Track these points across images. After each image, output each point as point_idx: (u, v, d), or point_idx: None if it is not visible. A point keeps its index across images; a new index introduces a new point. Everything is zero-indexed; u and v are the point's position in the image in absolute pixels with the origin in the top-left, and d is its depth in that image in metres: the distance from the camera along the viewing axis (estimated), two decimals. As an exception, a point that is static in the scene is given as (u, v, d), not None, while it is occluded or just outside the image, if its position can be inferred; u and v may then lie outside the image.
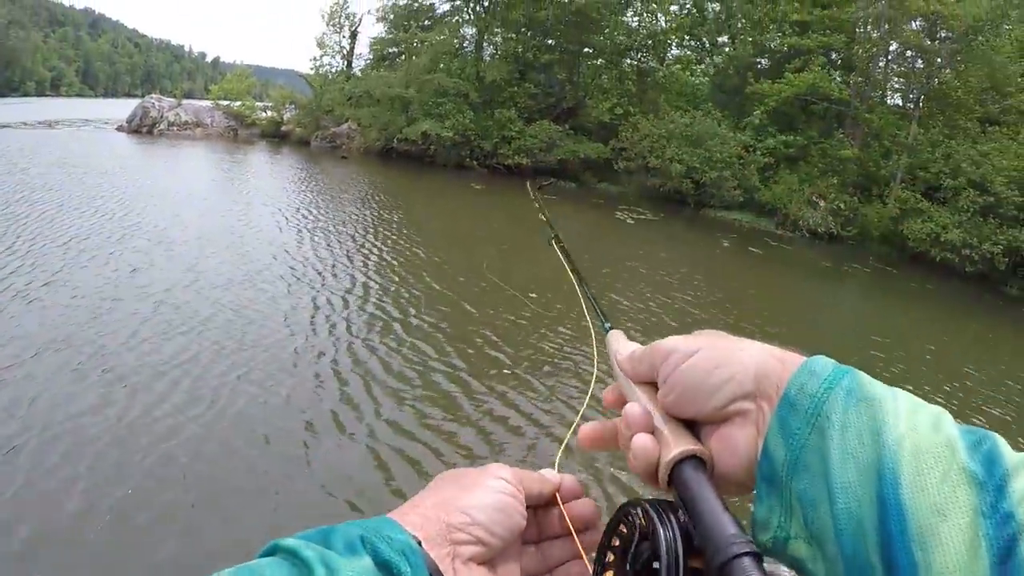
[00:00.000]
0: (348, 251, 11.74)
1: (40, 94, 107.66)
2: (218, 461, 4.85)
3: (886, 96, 26.78)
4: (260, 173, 21.92)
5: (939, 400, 7.84)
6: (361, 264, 10.94)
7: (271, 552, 0.47)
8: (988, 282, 18.10)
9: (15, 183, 14.70)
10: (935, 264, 18.84)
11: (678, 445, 0.56)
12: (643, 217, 20.99)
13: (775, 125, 24.32)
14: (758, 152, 23.57)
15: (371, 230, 13.72)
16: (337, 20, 34.90)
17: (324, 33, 35.43)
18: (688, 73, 31.34)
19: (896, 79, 26.14)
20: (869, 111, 24.16)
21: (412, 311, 8.68)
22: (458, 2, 31.66)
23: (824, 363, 0.53)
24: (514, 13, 29.37)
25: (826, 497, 0.47)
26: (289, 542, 0.47)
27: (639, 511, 0.54)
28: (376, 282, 9.90)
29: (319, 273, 10.01)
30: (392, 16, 32.58)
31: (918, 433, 0.45)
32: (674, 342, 0.62)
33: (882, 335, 11.39)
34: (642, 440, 0.58)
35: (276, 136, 33.72)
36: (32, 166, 17.86)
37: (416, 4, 32.01)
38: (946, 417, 0.47)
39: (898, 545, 0.42)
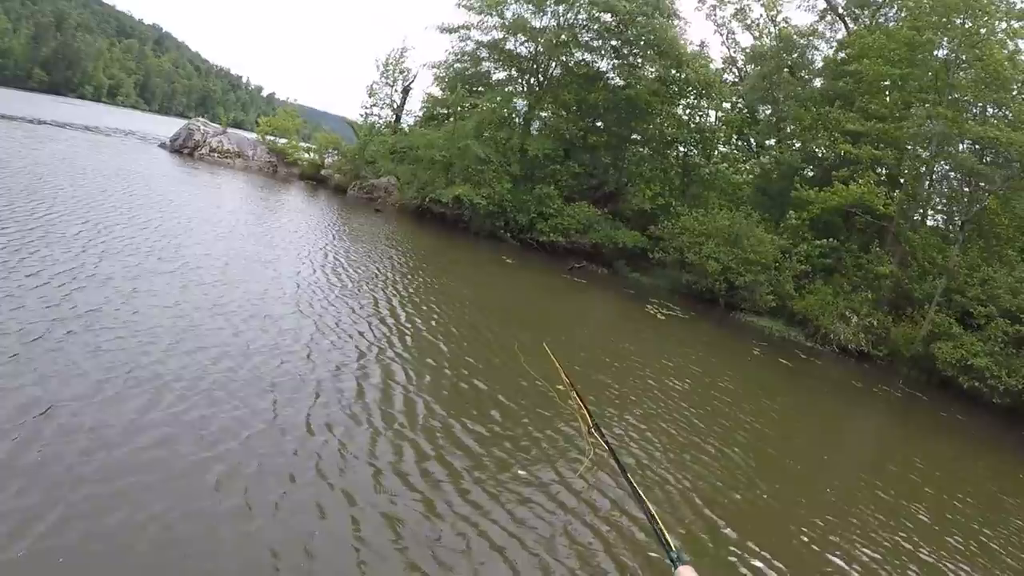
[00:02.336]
0: (394, 314, 11.59)
1: (97, 99, 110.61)
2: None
3: (927, 216, 26.58)
4: (301, 218, 21.78)
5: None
6: (418, 331, 10.91)
7: None
8: (1017, 415, 17.45)
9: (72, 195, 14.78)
10: (964, 392, 18.36)
11: None
12: (673, 314, 20.65)
13: (814, 233, 24.03)
14: (794, 258, 23.27)
15: (415, 295, 13.65)
16: (391, 73, 35.33)
17: (375, 83, 35.95)
18: (733, 172, 31.23)
19: (940, 200, 25.95)
20: (912, 230, 23.87)
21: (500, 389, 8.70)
22: (513, 72, 32.05)
23: None
24: (565, 93, 29.58)
25: None
26: None
27: None
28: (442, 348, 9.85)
29: (376, 334, 10.01)
30: (447, 77, 32.98)
31: None
32: None
33: (904, 469, 10.99)
34: None
35: (314, 179, 34.03)
36: (91, 174, 18.67)
37: (472, 70, 32.40)
38: None
39: None
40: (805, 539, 6.99)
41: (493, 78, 32.63)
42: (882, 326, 21.37)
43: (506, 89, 31.49)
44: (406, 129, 34.98)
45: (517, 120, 30.99)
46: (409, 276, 15.80)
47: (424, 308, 12.71)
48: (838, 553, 6.83)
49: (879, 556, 7.00)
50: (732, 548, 6.30)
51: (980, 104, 23.60)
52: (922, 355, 20.08)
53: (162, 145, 33.93)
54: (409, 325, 11.13)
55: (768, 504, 7.72)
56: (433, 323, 11.71)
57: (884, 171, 25.59)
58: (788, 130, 29.13)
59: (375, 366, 8.63)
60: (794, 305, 22.49)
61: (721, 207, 25.68)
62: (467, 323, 12.51)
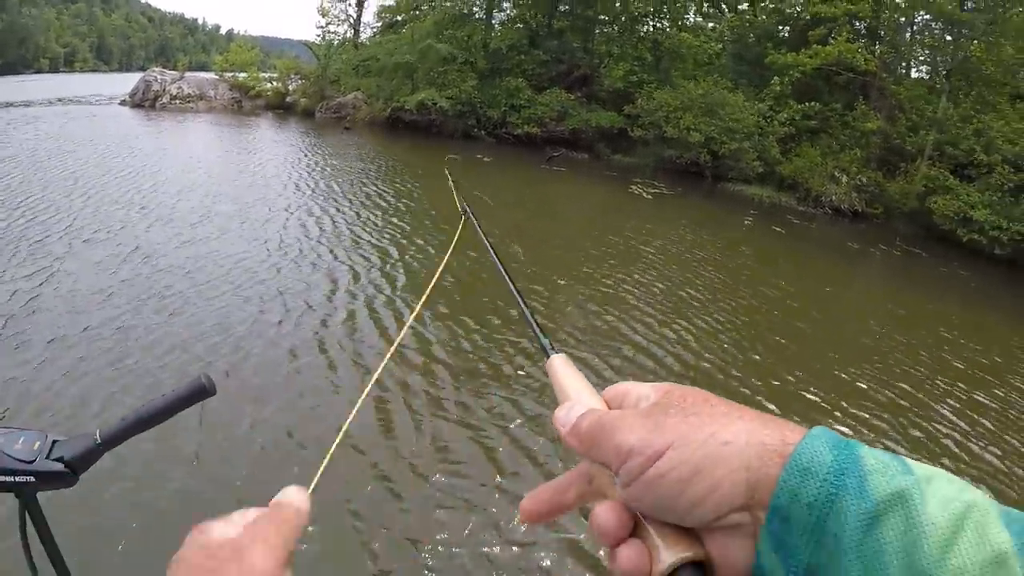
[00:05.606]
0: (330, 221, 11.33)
1: (55, 70, 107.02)
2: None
3: (911, 69, 25.63)
4: (275, 148, 20.82)
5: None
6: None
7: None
8: (1018, 266, 16.97)
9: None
10: (963, 245, 17.81)
11: (671, 549, 0.44)
12: (659, 191, 19.97)
13: (796, 97, 23.17)
14: (776, 122, 22.50)
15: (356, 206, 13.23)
16: (341, -13, 33.92)
17: (326, 1, 34.50)
18: (703, 39, 29.72)
19: (922, 50, 24.90)
20: (897, 83, 23.00)
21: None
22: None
23: (820, 452, 0.41)
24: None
25: None
26: None
27: None
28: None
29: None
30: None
31: (960, 554, 0.35)
32: (630, 437, 0.45)
33: (907, 326, 10.52)
34: (628, 553, 0.45)
35: (281, 107, 32.90)
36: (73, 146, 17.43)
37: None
38: (989, 514, 0.37)
39: None
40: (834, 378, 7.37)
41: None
42: (874, 183, 20.76)
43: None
44: (367, 43, 33.70)
45: (478, 14, 29.66)
46: (372, 187, 15.36)
47: (381, 216, 12.46)
48: (863, 385, 7.25)
49: (903, 388, 7.35)
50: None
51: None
52: (918, 210, 19.54)
53: (123, 102, 32.51)
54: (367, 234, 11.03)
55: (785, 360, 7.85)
56: (374, 229, 11.48)
57: (862, 26, 24.56)
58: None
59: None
60: (782, 170, 21.85)
61: (696, 78, 24.64)
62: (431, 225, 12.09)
